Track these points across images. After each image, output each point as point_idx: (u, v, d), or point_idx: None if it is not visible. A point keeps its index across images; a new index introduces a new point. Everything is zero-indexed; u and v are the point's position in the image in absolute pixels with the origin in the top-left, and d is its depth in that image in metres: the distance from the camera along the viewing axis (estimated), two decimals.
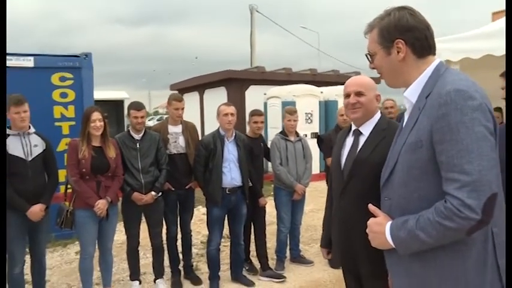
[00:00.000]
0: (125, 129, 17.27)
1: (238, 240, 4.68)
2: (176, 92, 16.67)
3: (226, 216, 4.60)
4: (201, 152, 4.43)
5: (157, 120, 29.26)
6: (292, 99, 11.11)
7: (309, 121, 11.41)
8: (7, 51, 6.14)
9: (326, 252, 2.79)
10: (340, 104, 9.16)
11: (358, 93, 2.45)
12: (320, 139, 5.62)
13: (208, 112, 14.21)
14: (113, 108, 17.58)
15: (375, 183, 1.93)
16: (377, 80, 2.63)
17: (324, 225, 2.83)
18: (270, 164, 5.30)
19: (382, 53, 1.74)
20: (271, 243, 5.42)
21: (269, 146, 5.20)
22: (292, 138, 5.05)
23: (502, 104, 3.52)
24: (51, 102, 6.27)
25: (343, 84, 2.67)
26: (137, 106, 4.39)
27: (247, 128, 5.14)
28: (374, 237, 1.74)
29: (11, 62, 6.09)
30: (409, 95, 1.72)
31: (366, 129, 2.47)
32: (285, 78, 13.42)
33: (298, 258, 5.37)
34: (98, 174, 3.98)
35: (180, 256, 4.91)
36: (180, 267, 4.89)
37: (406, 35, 1.67)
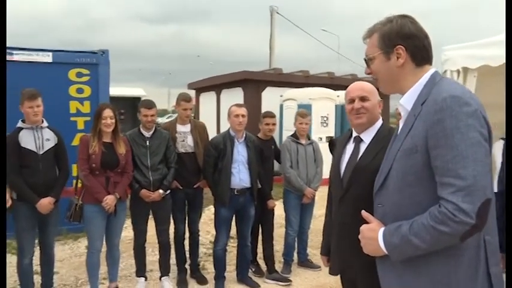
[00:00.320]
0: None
1: (245, 241, 4.67)
2: (193, 91, 16.78)
3: (234, 217, 4.60)
4: (210, 152, 4.43)
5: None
6: (309, 102, 11.06)
7: (325, 124, 11.34)
8: (27, 47, 6.31)
9: (326, 259, 2.76)
10: None
11: (363, 98, 2.43)
12: (332, 143, 5.59)
13: (224, 112, 14.14)
14: (129, 105, 17.71)
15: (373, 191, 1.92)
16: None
17: (324, 233, 2.80)
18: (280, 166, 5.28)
19: (382, 58, 1.75)
20: (279, 246, 5.40)
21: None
22: (303, 141, 5.03)
23: None
24: (67, 97, 6.36)
25: None
26: (148, 104, 4.42)
27: (260, 129, 5.13)
28: (366, 244, 1.74)
29: (30, 56, 6.23)
30: (405, 103, 1.73)
31: (367, 136, 2.44)
32: (302, 80, 13.38)
33: (306, 263, 5.34)
34: (107, 169, 4.02)
35: (187, 255, 4.92)
36: (187, 266, 4.90)
37: (407, 42, 1.70)
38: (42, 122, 4.01)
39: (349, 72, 15.89)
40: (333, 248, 2.56)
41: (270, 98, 12.41)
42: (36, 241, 4.15)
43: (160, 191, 4.33)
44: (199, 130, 4.75)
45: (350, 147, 2.49)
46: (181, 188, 4.60)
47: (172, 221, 4.69)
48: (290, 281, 4.89)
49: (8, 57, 6.05)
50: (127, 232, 5.23)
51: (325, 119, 11.38)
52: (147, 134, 4.38)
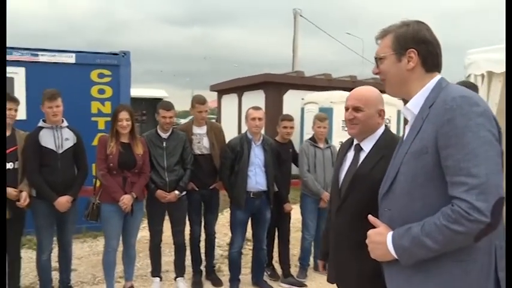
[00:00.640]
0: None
1: (261, 244, 4.65)
2: (215, 93, 16.85)
3: (250, 219, 4.58)
4: (227, 154, 4.44)
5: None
6: (330, 106, 10.96)
7: (346, 128, 11.22)
8: (53, 48, 6.44)
9: (322, 264, 2.72)
10: None
11: (356, 109, 2.32)
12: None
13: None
14: (151, 106, 17.87)
15: (372, 203, 1.86)
16: None
17: (323, 237, 2.77)
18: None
19: (393, 59, 1.75)
20: (295, 250, 5.36)
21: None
22: (321, 145, 4.98)
23: None
24: (89, 98, 6.45)
25: (383, 93, 2.50)
26: (166, 106, 4.45)
27: (278, 132, 5.11)
28: (374, 248, 1.70)
29: (54, 57, 6.36)
30: (412, 107, 1.73)
31: (367, 145, 2.36)
32: (324, 84, 13.28)
33: None
34: (124, 169, 4.05)
35: (203, 257, 4.93)
36: (202, 267, 4.91)
37: (420, 47, 1.70)
38: (62, 121, 4.08)
39: (372, 76, 15.72)
40: (330, 256, 2.52)
41: (292, 101, 12.36)
42: (55, 238, 4.23)
43: (176, 192, 4.35)
44: (215, 132, 4.76)
45: (350, 155, 2.43)
46: (197, 189, 4.61)
47: (188, 223, 4.71)
48: (305, 285, 4.85)
49: (33, 58, 6.22)
50: (144, 232, 5.27)
51: (345, 123, 11.25)
52: (164, 135, 4.41)
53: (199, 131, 4.70)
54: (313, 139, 5.04)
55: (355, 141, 2.43)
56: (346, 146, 2.53)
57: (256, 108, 4.54)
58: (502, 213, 1.46)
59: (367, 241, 1.74)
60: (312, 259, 5.27)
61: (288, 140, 5.04)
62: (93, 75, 6.49)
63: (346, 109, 2.37)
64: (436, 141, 1.51)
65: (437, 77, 1.72)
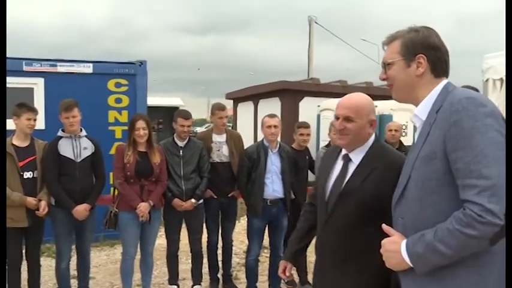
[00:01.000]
0: None
1: (278, 252, 4.62)
2: (231, 101, 16.92)
3: (267, 227, 4.57)
4: (244, 162, 4.45)
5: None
6: None
7: None
8: (70, 58, 6.55)
9: (283, 266, 2.53)
10: (395, 118, 8.91)
11: (347, 119, 2.16)
12: None
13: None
14: (167, 115, 18.01)
15: (360, 220, 1.83)
16: None
17: (293, 237, 2.60)
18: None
19: (401, 64, 1.73)
20: (312, 257, 5.30)
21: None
22: None
23: None
24: (106, 107, 6.54)
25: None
26: (185, 115, 4.49)
27: (295, 140, 5.10)
28: (389, 257, 1.66)
29: (72, 68, 6.46)
30: (420, 113, 1.71)
31: (357, 156, 2.21)
32: (339, 90, 13.22)
33: None
34: (141, 178, 4.08)
35: (220, 264, 4.92)
36: (219, 275, 4.90)
37: (429, 53, 1.69)
38: (81, 131, 4.13)
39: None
40: (315, 271, 2.42)
41: (308, 108, 12.34)
42: (74, 246, 4.27)
43: (193, 200, 4.36)
44: (234, 140, 4.77)
45: (338, 165, 2.28)
46: (215, 197, 4.62)
47: (205, 230, 4.71)
48: None
49: (52, 69, 6.33)
50: (161, 240, 5.28)
51: None
52: (181, 144, 4.44)
53: (219, 139, 4.71)
54: (329, 146, 5.01)
55: (344, 151, 2.29)
56: (332, 155, 2.38)
57: (272, 115, 4.54)
58: None
59: (381, 250, 1.70)
60: None
61: (305, 147, 5.03)
62: (110, 84, 6.57)
63: (337, 118, 2.22)
64: (444, 145, 1.49)
65: (443, 81, 1.70)
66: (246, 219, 4.71)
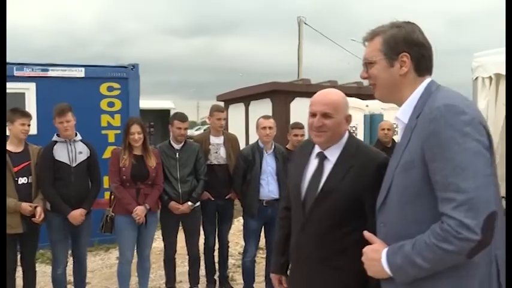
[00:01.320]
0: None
1: None
2: (222, 102, 16.93)
3: (263, 228, 4.59)
4: (239, 164, 4.47)
5: (205, 130, 29.74)
6: None
7: (354, 135, 11.22)
8: (62, 63, 6.51)
9: (277, 280, 2.42)
10: (386, 117, 8.98)
11: (325, 115, 2.07)
12: None
13: (253, 123, 14.24)
14: (158, 118, 18.01)
15: (341, 217, 1.77)
16: None
17: (275, 248, 2.53)
18: None
19: (384, 64, 1.65)
20: None
21: None
22: None
23: None
24: (99, 111, 6.50)
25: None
26: (181, 117, 4.49)
27: (289, 140, 5.13)
28: (370, 265, 1.62)
29: (64, 72, 6.42)
30: (401, 116, 1.65)
31: (332, 154, 2.12)
32: None
33: None
34: (137, 181, 4.08)
35: (216, 266, 4.93)
36: (216, 277, 4.91)
37: (413, 50, 1.61)
38: (76, 135, 4.12)
39: None
40: (290, 278, 2.33)
41: (299, 109, 12.38)
42: (70, 251, 4.25)
43: (189, 203, 4.37)
44: (231, 142, 4.81)
45: (313, 163, 2.18)
46: (213, 199, 4.63)
47: (202, 232, 4.72)
48: None
49: (44, 74, 6.28)
50: (156, 243, 5.29)
51: (353, 129, 11.26)
52: (177, 147, 4.44)
53: (217, 141, 4.74)
54: None
55: (318, 149, 2.19)
56: (304, 152, 2.27)
57: (267, 117, 4.57)
58: (496, 226, 1.38)
59: (363, 258, 1.64)
60: None
61: None
62: (103, 88, 6.55)
63: (313, 115, 2.11)
64: (423, 154, 1.44)
65: (426, 80, 1.63)
66: (242, 220, 4.73)
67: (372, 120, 11.85)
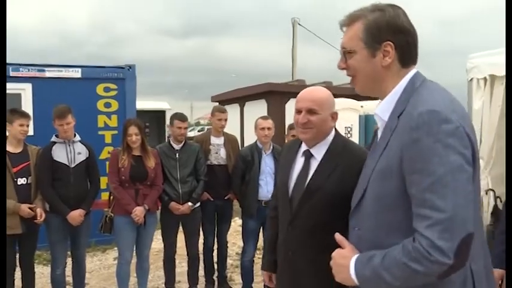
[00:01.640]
0: (166, 140, 17.44)
1: None
2: (217, 103, 16.94)
3: (261, 228, 4.61)
4: (238, 164, 4.50)
5: (198, 131, 29.73)
6: None
7: (349, 135, 11.27)
8: (58, 63, 6.50)
9: (268, 276, 2.47)
10: None
11: (310, 111, 2.09)
12: None
13: (248, 124, 14.32)
14: (154, 119, 17.96)
15: (327, 215, 1.76)
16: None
17: (265, 246, 2.55)
18: None
19: (365, 54, 1.47)
20: None
21: None
22: None
23: None
24: (95, 112, 6.49)
25: None
26: (181, 117, 4.51)
27: (286, 141, 5.16)
28: (338, 271, 1.51)
29: (61, 73, 6.40)
30: (381, 112, 1.50)
31: (318, 152, 2.14)
32: None
33: None
34: (136, 182, 4.09)
35: (215, 266, 4.95)
36: (215, 277, 4.92)
37: (398, 38, 1.43)
38: (75, 136, 4.12)
39: None
40: (280, 271, 2.32)
41: (294, 110, 12.44)
42: (69, 252, 4.25)
43: (190, 203, 4.38)
44: (231, 143, 4.83)
45: (299, 161, 2.20)
46: (212, 199, 4.65)
47: (201, 233, 4.74)
48: None
49: (40, 74, 6.27)
50: (154, 243, 5.29)
51: (349, 129, 11.33)
52: (177, 147, 4.46)
53: (218, 141, 4.76)
54: None
55: (304, 147, 2.20)
56: (291, 150, 2.29)
57: (265, 117, 4.59)
58: (479, 240, 1.33)
59: (331, 262, 1.55)
60: None
61: None
62: (99, 89, 6.54)
63: (299, 112, 2.12)
64: (401, 162, 1.32)
65: (411, 72, 1.47)
66: (241, 220, 4.74)
67: (367, 121, 11.92)
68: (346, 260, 1.47)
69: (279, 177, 2.37)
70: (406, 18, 1.46)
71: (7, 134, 3.94)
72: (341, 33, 1.57)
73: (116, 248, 6.12)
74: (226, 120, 4.80)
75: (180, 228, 4.59)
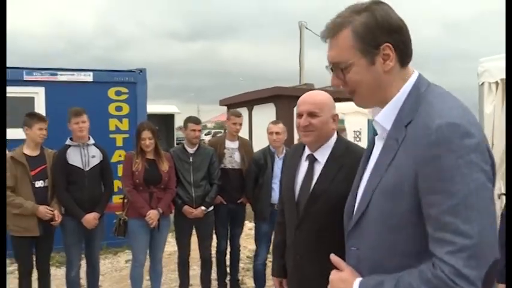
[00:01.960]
0: (175, 143, 17.46)
1: None
2: (225, 107, 16.99)
3: (274, 232, 4.62)
4: (251, 168, 4.53)
5: (205, 134, 29.77)
6: (341, 117, 11.00)
7: (358, 139, 11.28)
8: (69, 67, 6.56)
9: (279, 282, 2.47)
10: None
11: (311, 114, 2.12)
12: None
13: (256, 128, 14.35)
14: (163, 122, 18.04)
15: (334, 219, 1.70)
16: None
17: (275, 253, 2.55)
18: None
19: (363, 63, 1.29)
20: None
21: None
22: None
23: None
24: (107, 115, 6.55)
25: None
26: (195, 120, 4.56)
27: None
28: None
29: (73, 76, 6.47)
30: (383, 120, 1.34)
31: (322, 155, 2.17)
32: (334, 95, 13.25)
33: None
34: (150, 185, 4.12)
35: (227, 270, 4.96)
36: (227, 280, 4.94)
37: (394, 37, 1.28)
38: (89, 139, 4.16)
39: None
40: (291, 276, 2.33)
41: None
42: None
43: (203, 207, 4.40)
44: (245, 147, 4.87)
45: (304, 165, 2.23)
46: (225, 203, 4.67)
47: (214, 236, 4.76)
48: None
49: (53, 78, 6.33)
50: (166, 246, 5.31)
51: (358, 133, 11.31)
52: (191, 150, 4.48)
53: (232, 145, 4.80)
54: None
55: (308, 151, 2.23)
56: (295, 154, 2.32)
57: (276, 122, 4.63)
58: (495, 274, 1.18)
59: (328, 287, 1.42)
60: None
61: None
62: (111, 92, 6.59)
63: (300, 115, 2.15)
64: (416, 180, 1.18)
65: (413, 76, 1.33)
66: (251, 224, 4.76)
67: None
68: (347, 285, 1.32)
69: (284, 182, 2.40)
70: (396, 14, 1.31)
71: (16, 137, 4.00)
72: None
73: (127, 251, 6.20)
74: (241, 124, 4.84)
75: (194, 231, 4.61)
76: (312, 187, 2.13)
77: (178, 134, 19.05)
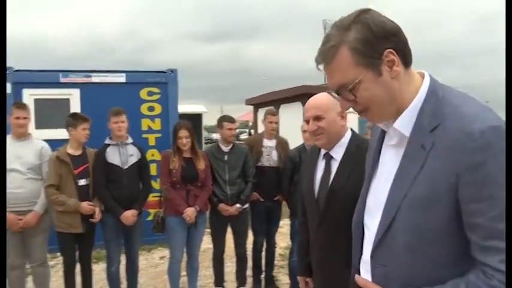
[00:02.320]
0: (203, 142, 17.55)
1: None
2: (252, 106, 17.05)
3: None
4: (287, 165, 4.56)
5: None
6: None
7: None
8: (101, 69, 6.71)
9: (304, 281, 2.50)
10: None
11: (317, 118, 2.18)
12: None
13: (283, 127, 14.33)
14: (192, 121, 18.19)
15: (353, 211, 1.71)
16: None
17: (300, 252, 2.58)
18: None
19: (371, 77, 1.21)
20: None
21: None
22: None
23: None
24: (139, 115, 6.65)
25: None
26: (230, 119, 4.64)
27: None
28: None
29: (106, 78, 6.61)
30: (401, 127, 1.26)
31: (337, 153, 2.22)
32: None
33: None
34: (187, 183, 4.20)
35: (263, 267, 5.01)
36: (261, 277, 4.99)
37: (393, 41, 1.21)
38: (127, 138, 4.26)
39: None
40: (313, 278, 2.39)
41: None
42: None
43: (238, 205, 4.46)
44: (282, 146, 4.91)
45: (321, 164, 2.28)
46: (262, 200, 4.72)
47: (250, 233, 4.82)
48: None
49: (87, 80, 6.48)
50: (202, 243, 5.39)
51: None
52: (226, 149, 4.55)
53: (270, 143, 4.85)
54: None
55: (324, 150, 2.28)
56: (313, 155, 2.38)
57: (308, 121, 4.63)
58: None
59: None
60: None
61: None
62: (143, 93, 6.70)
63: (307, 122, 2.23)
64: (456, 189, 1.12)
65: (426, 78, 1.27)
66: (283, 221, 4.79)
67: None
68: None
69: (303, 182, 2.43)
70: (386, 17, 1.23)
71: (59, 137, 4.13)
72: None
73: (160, 248, 6.33)
74: (277, 122, 4.89)
75: (228, 228, 4.68)
76: (329, 184, 2.18)
77: (204, 133, 19.20)
